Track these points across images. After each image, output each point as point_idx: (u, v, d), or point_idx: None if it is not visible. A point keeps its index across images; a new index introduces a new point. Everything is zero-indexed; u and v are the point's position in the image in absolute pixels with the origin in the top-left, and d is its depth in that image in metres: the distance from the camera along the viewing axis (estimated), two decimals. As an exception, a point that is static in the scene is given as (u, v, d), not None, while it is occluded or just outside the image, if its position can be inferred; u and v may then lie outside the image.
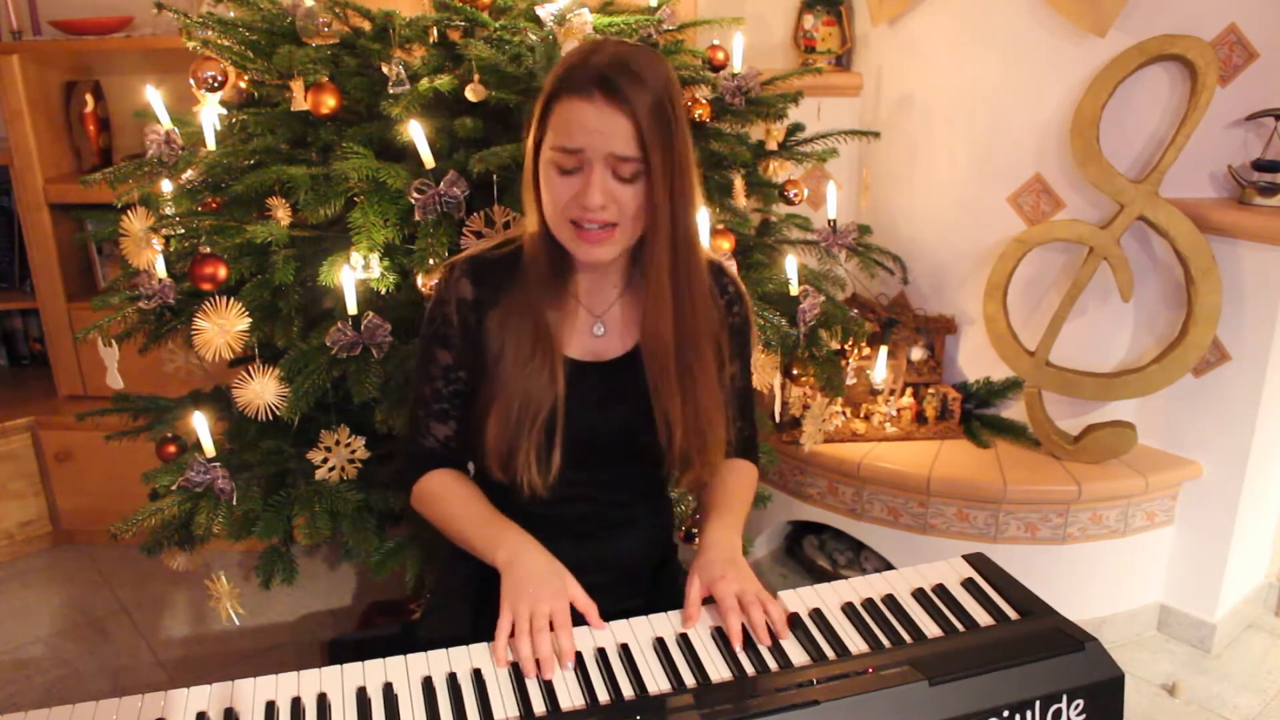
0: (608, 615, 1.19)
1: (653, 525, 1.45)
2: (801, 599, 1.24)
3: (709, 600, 1.22)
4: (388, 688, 1.08)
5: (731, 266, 1.72)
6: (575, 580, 1.20)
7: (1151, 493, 2.35)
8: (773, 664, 1.12)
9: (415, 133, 1.58)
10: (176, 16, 1.76)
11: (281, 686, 1.08)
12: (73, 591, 2.70)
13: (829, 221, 2.06)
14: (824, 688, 1.05)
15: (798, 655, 1.13)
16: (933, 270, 2.57)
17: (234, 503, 1.59)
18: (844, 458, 2.43)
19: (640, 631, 1.17)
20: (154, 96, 1.77)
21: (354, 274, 1.56)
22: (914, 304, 2.64)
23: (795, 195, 2.02)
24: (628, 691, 1.08)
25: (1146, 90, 2.24)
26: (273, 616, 2.55)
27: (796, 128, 2.16)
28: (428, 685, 1.09)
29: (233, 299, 1.55)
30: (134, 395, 1.94)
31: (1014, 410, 2.53)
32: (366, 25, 1.82)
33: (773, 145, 2.08)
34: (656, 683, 1.09)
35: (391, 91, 1.64)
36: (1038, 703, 1.06)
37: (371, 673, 1.11)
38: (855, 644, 1.15)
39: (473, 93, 1.64)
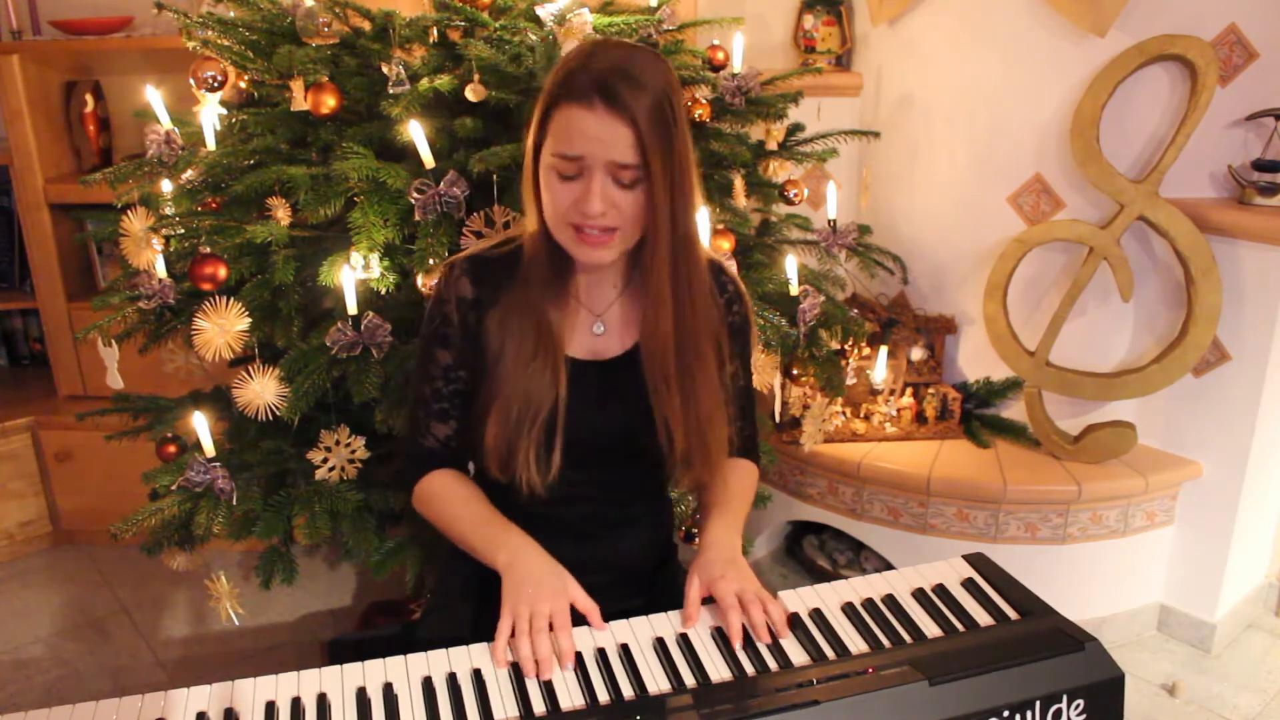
0: (608, 615, 1.19)
1: (653, 525, 1.45)
2: (801, 599, 1.24)
3: (709, 600, 1.22)
4: (388, 688, 1.08)
5: (731, 266, 1.72)
6: (576, 582, 1.20)
7: (1151, 493, 2.35)
8: (773, 664, 1.12)
9: (415, 133, 1.58)
10: (176, 16, 1.76)
11: (281, 686, 1.08)
12: (73, 591, 2.70)
13: (829, 221, 2.06)
14: (824, 688, 1.05)
15: (798, 655, 1.13)
16: (933, 270, 2.57)
17: (234, 503, 1.59)
18: (844, 458, 2.43)
19: (640, 631, 1.17)
20: (154, 96, 1.77)
21: (354, 274, 1.56)
22: (914, 304, 2.64)
23: (795, 195, 2.02)
24: (628, 691, 1.08)
25: (1146, 90, 2.24)
26: (273, 616, 2.55)
27: (796, 128, 2.16)
28: (428, 685, 1.09)
29: (233, 299, 1.55)
30: (134, 395, 1.94)
31: (1014, 410, 2.53)
32: (366, 25, 1.82)
33: (773, 145, 2.08)
34: (656, 683, 1.09)
35: (391, 91, 1.64)
36: (1038, 703, 1.06)
37: (371, 673, 1.11)
38: (855, 644, 1.15)
39: (473, 93, 1.64)
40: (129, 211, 1.76)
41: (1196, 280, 2.23)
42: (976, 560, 1.32)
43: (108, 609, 2.62)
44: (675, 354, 1.25)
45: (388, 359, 1.59)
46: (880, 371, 2.47)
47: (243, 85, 1.80)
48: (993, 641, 1.14)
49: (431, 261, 1.56)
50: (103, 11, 2.73)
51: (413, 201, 1.57)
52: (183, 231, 1.67)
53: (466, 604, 1.39)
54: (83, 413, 2.01)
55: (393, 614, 2.31)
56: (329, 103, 1.63)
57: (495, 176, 1.60)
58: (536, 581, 1.17)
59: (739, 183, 1.91)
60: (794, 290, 1.85)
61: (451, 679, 1.09)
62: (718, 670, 1.11)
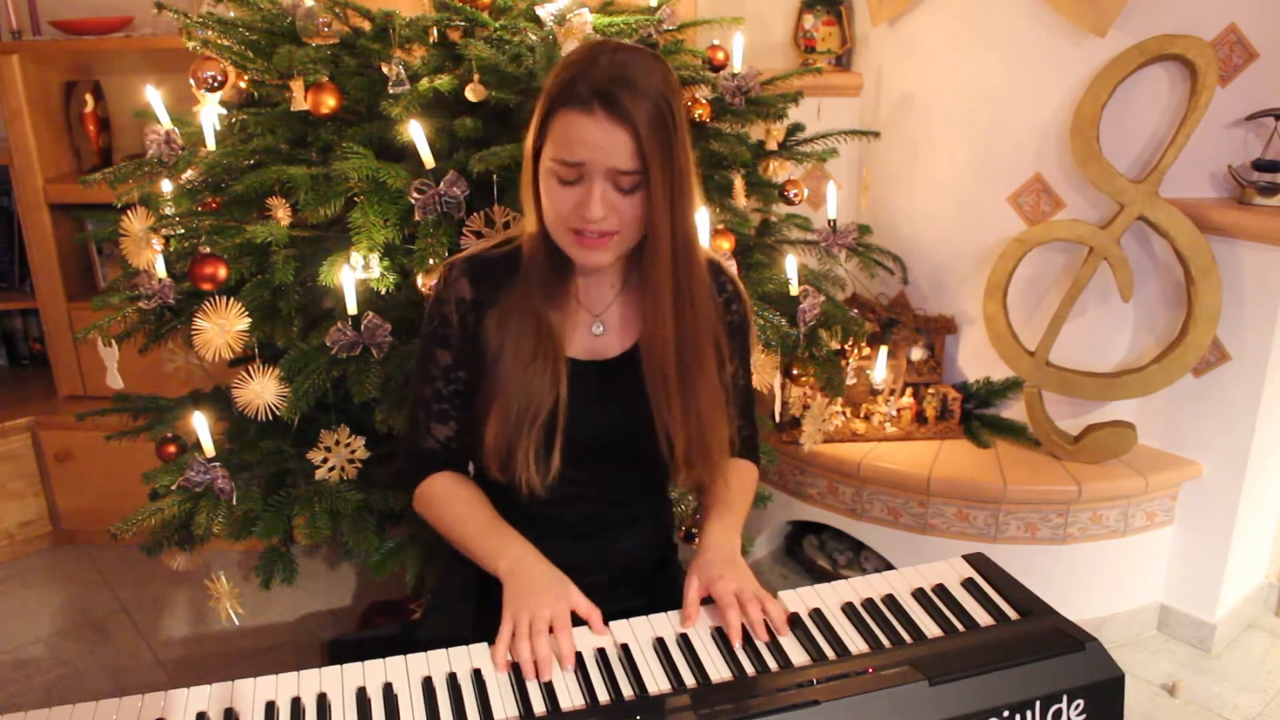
0: (608, 615, 1.19)
1: (653, 525, 1.45)
2: (801, 599, 1.24)
3: (708, 600, 1.22)
4: (388, 688, 1.08)
5: (731, 266, 1.72)
6: (576, 588, 1.20)
7: (1151, 493, 2.35)
8: (773, 664, 1.12)
9: (415, 133, 1.58)
10: (176, 16, 1.76)
11: (281, 686, 1.08)
12: (73, 591, 2.70)
13: (829, 221, 2.06)
14: (824, 688, 1.05)
15: (798, 655, 1.13)
16: (933, 270, 2.57)
17: (234, 503, 1.59)
18: (844, 458, 2.43)
19: (640, 631, 1.17)
20: (154, 96, 1.77)
21: (354, 274, 1.56)
22: (914, 304, 2.64)
23: (795, 195, 2.02)
24: (628, 691, 1.08)
25: (1146, 90, 2.24)
26: (273, 616, 2.55)
27: (796, 128, 2.16)
28: (428, 685, 1.09)
29: (233, 299, 1.55)
30: (134, 395, 1.94)
31: (1014, 410, 2.53)
32: (366, 25, 1.82)
33: (773, 145, 2.08)
34: (656, 683, 1.09)
35: (391, 91, 1.64)
36: (1038, 703, 1.06)
37: (371, 673, 1.11)
38: (855, 644, 1.15)
39: (473, 93, 1.64)
40: (129, 211, 1.76)
41: (1196, 280, 2.23)
42: (976, 560, 1.32)
43: (108, 609, 2.62)
44: (675, 356, 1.25)
45: (388, 359, 1.59)
46: (880, 371, 2.47)
47: (243, 85, 1.80)
48: (993, 641, 1.14)
49: (431, 261, 1.56)
50: (103, 11, 2.73)
51: (413, 201, 1.57)
52: (183, 231, 1.67)
53: (467, 604, 1.39)
54: (83, 413, 2.01)
55: (393, 614, 2.31)
56: (329, 103, 1.63)
57: (495, 176, 1.60)
58: (538, 588, 1.18)
59: (739, 183, 1.91)
60: (794, 290, 1.85)
61: (451, 679, 1.09)
62: (718, 670, 1.11)
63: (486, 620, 1.21)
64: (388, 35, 1.73)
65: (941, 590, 1.25)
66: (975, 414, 2.57)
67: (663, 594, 1.38)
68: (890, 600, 1.23)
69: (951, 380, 2.61)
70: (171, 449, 1.77)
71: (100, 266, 2.94)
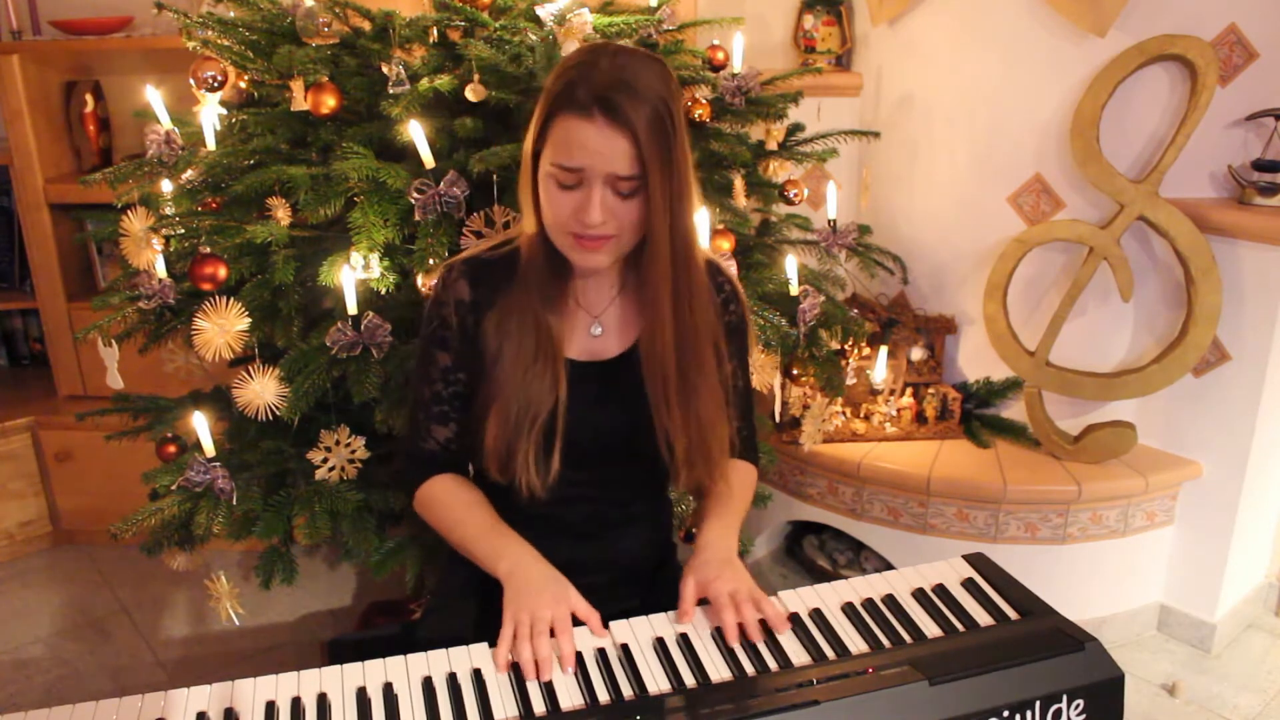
0: (607, 615, 1.19)
1: (653, 525, 1.45)
2: (801, 599, 1.24)
3: (704, 602, 1.22)
4: (388, 688, 1.08)
5: (731, 267, 1.72)
6: (576, 590, 1.20)
7: (1151, 493, 2.35)
8: (773, 664, 1.12)
9: (415, 133, 1.58)
10: (176, 16, 1.76)
11: (281, 686, 1.08)
12: (73, 591, 2.70)
13: (829, 221, 2.06)
14: (824, 688, 1.05)
15: (798, 655, 1.13)
16: (933, 270, 2.57)
17: (234, 503, 1.59)
18: (844, 458, 2.43)
19: (640, 631, 1.17)
20: (154, 96, 1.77)
21: (354, 274, 1.56)
22: (914, 304, 2.64)
23: (795, 195, 2.02)
24: (628, 691, 1.08)
25: (1146, 90, 2.24)
26: (273, 616, 2.55)
27: (796, 128, 2.16)
28: (428, 685, 1.09)
29: (233, 299, 1.55)
30: (134, 395, 1.94)
31: (1014, 410, 2.53)
32: (366, 25, 1.82)
33: (773, 145, 2.08)
34: (656, 683, 1.09)
35: (391, 91, 1.64)
36: (1038, 703, 1.06)
37: (371, 673, 1.11)
38: (855, 644, 1.15)
39: (473, 93, 1.64)
40: (129, 211, 1.76)
41: (1196, 280, 2.23)
42: (976, 560, 1.32)
43: (108, 609, 2.62)
44: (675, 358, 1.25)
45: (388, 359, 1.59)
46: (880, 371, 2.47)
47: (243, 85, 1.80)
48: (993, 641, 1.14)
49: (431, 261, 1.56)
50: (103, 11, 2.73)
51: (413, 201, 1.57)
52: (183, 231, 1.67)
53: (467, 604, 1.39)
54: (83, 413, 2.01)
55: (393, 614, 2.31)
56: (329, 103, 1.63)
57: (495, 176, 1.60)
58: (537, 589, 1.18)
59: (739, 183, 1.91)
60: (794, 290, 1.85)
61: (452, 679, 1.09)
62: (718, 670, 1.11)
63: (487, 620, 1.22)
64: (388, 35, 1.73)
65: (941, 590, 1.25)
66: (975, 414, 2.57)
67: (663, 594, 1.38)
68: (890, 600, 1.23)
69: (951, 380, 2.61)
70: (171, 449, 1.77)
71: (100, 266, 2.94)
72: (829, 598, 1.24)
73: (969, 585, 1.26)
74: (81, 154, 2.91)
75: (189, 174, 1.74)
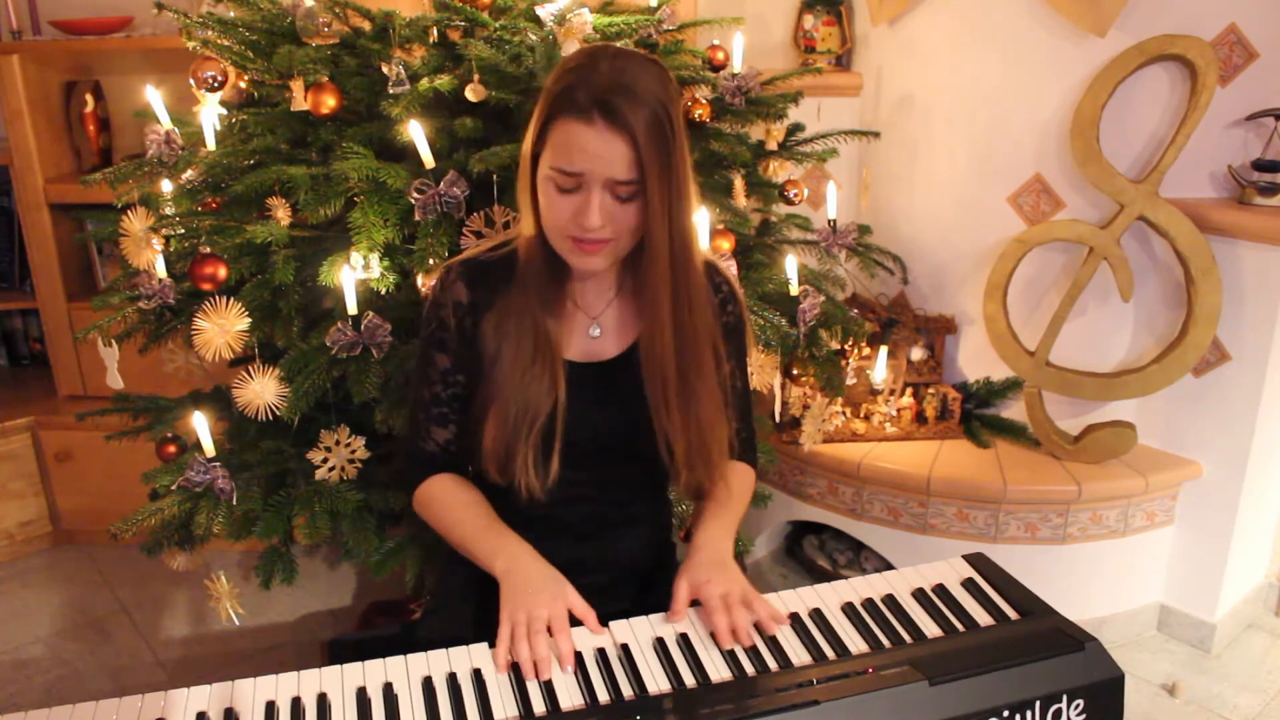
0: (607, 615, 1.19)
1: (652, 525, 1.45)
2: (801, 599, 1.24)
3: (697, 604, 1.22)
4: (388, 688, 1.08)
5: (731, 267, 1.72)
6: (573, 588, 1.20)
7: (1151, 493, 2.35)
8: (773, 664, 1.12)
9: (415, 133, 1.58)
10: (176, 16, 1.76)
11: (281, 686, 1.09)
12: (73, 591, 2.70)
13: (829, 221, 2.06)
14: (824, 688, 1.05)
15: (798, 655, 1.13)
16: (933, 270, 2.57)
17: (234, 503, 1.59)
18: (844, 458, 2.43)
19: (640, 631, 1.17)
20: (154, 96, 1.77)
21: (354, 274, 1.56)
22: (914, 304, 2.64)
23: (795, 195, 2.02)
24: (627, 691, 1.08)
25: (1146, 90, 2.24)
26: (273, 616, 2.55)
27: (796, 128, 2.16)
28: (428, 685, 1.09)
29: (233, 299, 1.55)
30: (134, 395, 1.94)
31: (1014, 410, 2.53)
32: (366, 25, 1.82)
33: (773, 145, 2.08)
34: (656, 683, 1.09)
35: (391, 91, 1.64)
36: (1038, 703, 1.06)
37: (371, 673, 1.11)
38: (855, 644, 1.15)
39: (473, 93, 1.64)
40: (129, 211, 1.76)
41: (1196, 280, 2.23)
42: (976, 560, 1.32)
43: (108, 609, 2.62)
44: (674, 360, 1.25)
45: (388, 359, 1.59)
46: (880, 371, 2.46)
47: (243, 85, 1.80)
48: (993, 641, 1.14)
49: (431, 261, 1.56)
50: (103, 11, 2.73)
51: (413, 201, 1.57)
52: (183, 231, 1.67)
53: (467, 604, 1.39)
54: (83, 413, 2.01)
55: (393, 614, 2.31)
56: (329, 103, 1.63)
57: (495, 176, 1.60)
58: (534, 588, 1.18)
59: (739, 183, 1.91)
60: (794, 290, 1.85)
61: (451, 679, 1.09)
62: (718, 670, 1.11)
63: (487, 620, 1.21)
64: (388, 35, 1.73)
65: (941, 590, 1.25)
66: (975, 414, 2.57)
67: (662, 594, 1.38)
68: (890, 600, 1.23)
69: (951, 380, 2.61)
70: (171, 449, 1.77)
71: (100, 266, 2.94)
72: (829, 598, 1.24)
73: (969, 585, 1.26)
74: (81, 154, 2.91)
75: (189, 174, 1.74)
